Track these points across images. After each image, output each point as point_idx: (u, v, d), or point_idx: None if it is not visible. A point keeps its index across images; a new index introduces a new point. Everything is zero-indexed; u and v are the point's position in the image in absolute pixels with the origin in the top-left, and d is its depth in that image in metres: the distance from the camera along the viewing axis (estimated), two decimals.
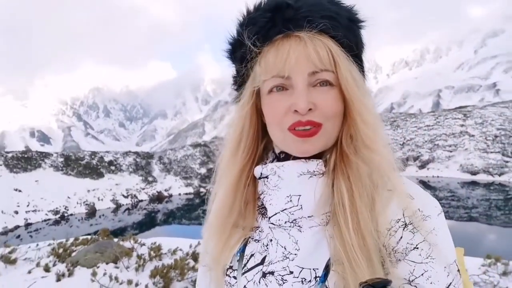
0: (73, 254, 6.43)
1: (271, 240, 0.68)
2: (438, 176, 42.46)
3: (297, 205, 0.66)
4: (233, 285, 0.70)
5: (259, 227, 0.72)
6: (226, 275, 0.72)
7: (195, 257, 6.23)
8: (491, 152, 45.36)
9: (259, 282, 0.67)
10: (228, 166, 0.75)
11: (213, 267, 0.74)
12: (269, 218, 0.68)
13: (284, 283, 0.64)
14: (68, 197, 32.71)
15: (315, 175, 0.67)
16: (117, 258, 5.99)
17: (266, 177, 0.70)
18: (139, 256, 6.19)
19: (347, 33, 0.66)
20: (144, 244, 7.27)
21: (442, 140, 49.10)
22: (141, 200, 37.84)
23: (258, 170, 0.71)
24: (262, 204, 0.72)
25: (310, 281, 0.63)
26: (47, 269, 5.69)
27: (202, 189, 47.61)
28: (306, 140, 0.65)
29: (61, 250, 6.66)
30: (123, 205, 35.25)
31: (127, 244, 6.80)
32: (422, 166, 44.42)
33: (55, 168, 37.80)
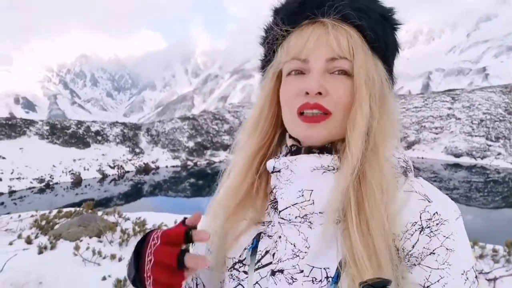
0: (56, 226, 6.38)
1: (280, 237, 0.66)
2: (422, 158, 43.24)
3: (309, 200, 0.64)
4: (242, 280, 0.68)
5: (271, 221, 0.70)
6: (234, 269, 0.69)
7: None
8: (476, 136, 46.17)
9: (268, 280, 0.65)
10: (243, 146, 0.75)
11: (214, 251, 0.72)
12: (279, 212, 0.66)
13: (294, 282, 0.62)
14: (54, 166, 32.40)
15: (329, 170, 0.65)
16: (101, 232, 5.97)
17: (279, 171, 0.69)
18: (123, 231, 6.17)
19: (375, 27, 0.66)
20: (128, 219, 7.25)
21: (429, 122, 49.66)
22: (128, 171, 37.73)
23: (270, 164, 0.70)
24: (275, 199, 0.70)
25: (321, 280, 0.61)
26: (29, 241, 5.64)
27: (189, 162, 47.61)
28: (311, 126, 0.64)
29: (43, 222, 6.60)
30: (109, 175, 35.11)
31: (111, 218, 6.77)
32: (408, 147, 45.10)
33: (40, 136, 37.22)
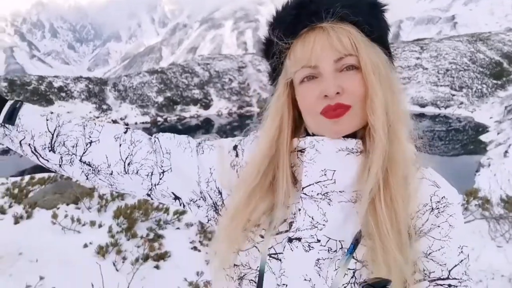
0: (30, 194, 6.31)
1: (299, 210, 0.72)
2: None
3: (331, 179, 0.70)
4: (257, 243, 0.73)
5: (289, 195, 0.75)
6: (251, 231, 0.74)
7: None
8: (441, 86, 47.55)
9: (283, 246, 0.70)
10: (265, 157, 0.76)
11: (235, 216, 0.76)
12: (302, 188, 0.71)
13: (310, 249, 0.69)
14: None
15: (352, 152, 0.71)
16: (78, 198, 5.96)
17: (301, 150, 0.74)
18: (100, 196, 6.19)
19: (368, 18, 0.72)
20: None
21: (397, 73, 50.42)
22: None
23: (295, 143, 0.75)
24: (292, 175, 0.75)
25: (336, 251, 0.68)
26: (2, 211, 5.58)
27: (159, 118, 46.87)
28: (336, 121, 0.69)
29: (16, 191, 6.50)
30: None
31: (88, 183, 6.72)
32: None
33: None
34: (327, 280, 0.67)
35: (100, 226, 5.21)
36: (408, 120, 0.75)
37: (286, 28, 0.73)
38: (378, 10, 0.76)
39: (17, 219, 5.22)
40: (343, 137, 0.72)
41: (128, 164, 0.80)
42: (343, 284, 0.66)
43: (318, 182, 0.70)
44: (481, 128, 36.22)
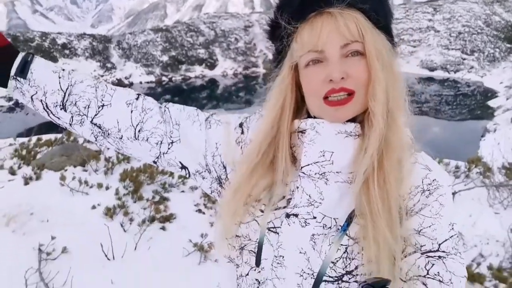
0: (38, 156, 6.43)
1: (297, 187, 0.76)
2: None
3: (329, 160, 0.73)
4: (257, 217, 0.77)
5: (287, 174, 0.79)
6: (252, 206, 0.78)
7: None
8: (452, 49, 46.33)
9: (281, 220, 0.75)
10: (267, 135, 0.79)
11: (237, 191, 0.80)
12: (301, 167, 0.75)
13: (307, 225, 0.73)
14: None
15: (351, 135, 0.73)
16: (85, 161, 6.07)
17: (302, 131, 0.77)
18: (107, 159, 6.29)
19: (375, 6, 0.74)
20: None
21: (408, 35, 49.03)
22: None
23: (296, 124, 0.78)
24: (292, 155, 0.79)
25: (330, 228, 0.72)
26: (12, 172, 5.71)
27: (164, 78, 46.41)
28: (337, 109, 0.72)
29: (24, 152, 6.62)
30: None
31: (94, 146, 6.83)
32: None
33: None
34: (320, 254, 0.71)
35: (107, 188, 5.35)
36: (406, 106, 0.77)
37: (294, 11, 0.74)
38: None
39: (26, 180, 5.35)
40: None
41: (139, 131, 0.83)
42: (335, 258, 0.70)
43: (316, 162, 0.73)
44: (490, 94, 35.67)
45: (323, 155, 0.73)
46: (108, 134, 0.84)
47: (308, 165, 0.74)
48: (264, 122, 0.80)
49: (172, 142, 0.84)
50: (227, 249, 0.80)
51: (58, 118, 0.84)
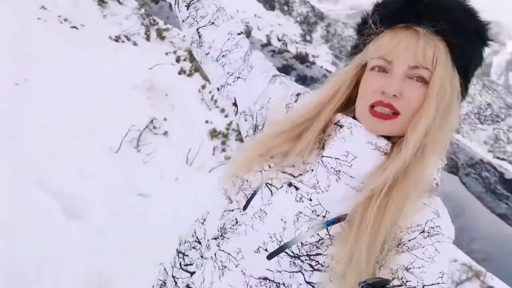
0: None
1: (312, 170, 0.77)
2: None
3: (349, 163, 0.74)
4: (264, 170, 0.81)
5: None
6: (265, 160, 0.82)
7: None
8: None
9: (281, 185, 0.77)
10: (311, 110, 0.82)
11: (259, 143, 0.84)
12: (322, 156, 0.77)
13: (300, 202, 0.75)
14: None
15: (379, 150, 0.74)
16: None
17: (340, 126, 0.78)
18: None
19: (465, 44, 0.73)
20: None
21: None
22: None
23: (338, 117, 0.79)
24: (321, 140, 0.81)
25: (318, 216, 0.73)
26: (177, 59, 6.80)
27: None
28: (378, 121, 0.72)
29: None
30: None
31: (188, 46, 7.14)
32: None
33: None
34: (296, 231, 0.73)
35: None
36: (443, 152, 0.77)
37: (385, 16, 0.75)
38: (481, 40, 0.75)
39: (180, 72, 6.39)
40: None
41: (222, 56, 0.93)
42: (306, 241, 0.72)
43: (337, 159, 0.75)
44: None
45: (346, 156, 0.74)
46: (201, 46, 0.95)
47: (329, 157, 0.75)
48: (311, 101, 0.83)
49: (238, 78, 0.92)
50: (230, 184, 0.86)
51: (179, 11, 0.97)
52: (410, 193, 0.71)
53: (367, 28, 0.77)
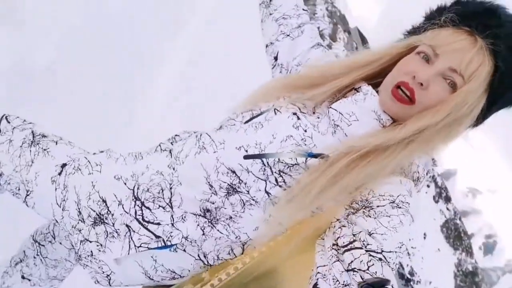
0: None
1: (318, 117, 0.82)
2: None
3: (349, 122, 0.78)
4: (278, 100, 0.86)
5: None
6: (283, 96, 0.86)
7: None
8: None
9: (288, 115, 0.81)
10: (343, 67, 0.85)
11: (287, 80, 0.90)
12: (330, 106, 0.81)
13: (295, 129, 0.78)
14: None
15: (379, 121, 0.78)
16: None
17: (358, 91, 0.82)
18: None
19: (510, 79, 0.74)
20: None
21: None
22: None
23: (361, 83, 0.83)
24: (336, 96, 0.84)
25: (305, 145, 0.77)
26: None
27: None
28: (392, 100, 0.75)
29: None
30: None
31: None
32: None
33: None
34: (279, 149, 0.76)
35: None
36: (429, 152, 0.79)
37: (460, 13, 0.76)
38: None
39: None
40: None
41: (283, 18, 0.99)
42: (283, 160, 0.75)
43: (341, 114, 0.79)
44: None
45: (350, 116, 0.78)
46: (268, 6, 1.03)
47: (335, 110, 0.79)
48: (347, 59, 0.86)
49: (288, 35, 0.97)
50: (242, 107, 0.89)
51: None
52: (385, 167, 0.74)
53: (437, 16, 0.79)
